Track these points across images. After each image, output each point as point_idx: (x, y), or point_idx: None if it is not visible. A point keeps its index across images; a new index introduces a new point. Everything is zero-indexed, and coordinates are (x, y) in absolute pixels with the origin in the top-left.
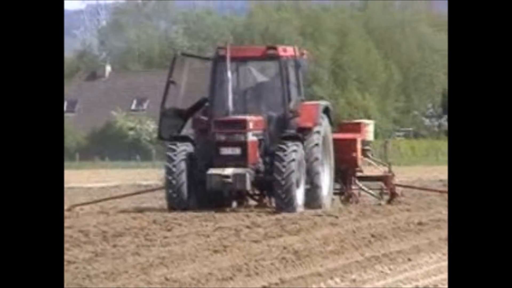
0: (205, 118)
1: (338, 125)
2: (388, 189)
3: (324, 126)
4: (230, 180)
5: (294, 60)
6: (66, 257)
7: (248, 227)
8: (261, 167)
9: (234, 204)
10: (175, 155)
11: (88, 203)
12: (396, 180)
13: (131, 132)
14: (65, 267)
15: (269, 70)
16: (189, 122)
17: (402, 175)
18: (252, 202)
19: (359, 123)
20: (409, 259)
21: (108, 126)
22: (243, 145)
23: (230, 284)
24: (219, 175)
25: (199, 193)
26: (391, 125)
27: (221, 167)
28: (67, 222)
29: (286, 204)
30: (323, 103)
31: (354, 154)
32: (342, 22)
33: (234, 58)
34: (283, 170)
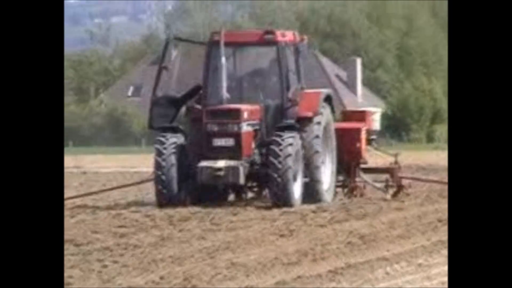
0: (198, 106)
1: (342, 114)
2: (394, 182)
3: (325, 115)
4: (222, 173)
5: (294, 45)
6: (132, 241)
7: (313, 211)
8: (257, 159)
9: (232, 197)
10: (164, 148)
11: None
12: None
13: None
14: (131, 252)
15: (266, 56)
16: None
17: None
18: (250, 195)
19: (364, 112)
20: None
21: None
22: (237, 136)
23: (296, 268)
24: (211, 167)
25: (190, 187)
26: None
27: (213, 159)
28: (133, 207)
29: (283, 201)
30: (325, 91)
31: (358, 145)
32: (408, 6)
33: (229, 43)
34: (279, 166)
